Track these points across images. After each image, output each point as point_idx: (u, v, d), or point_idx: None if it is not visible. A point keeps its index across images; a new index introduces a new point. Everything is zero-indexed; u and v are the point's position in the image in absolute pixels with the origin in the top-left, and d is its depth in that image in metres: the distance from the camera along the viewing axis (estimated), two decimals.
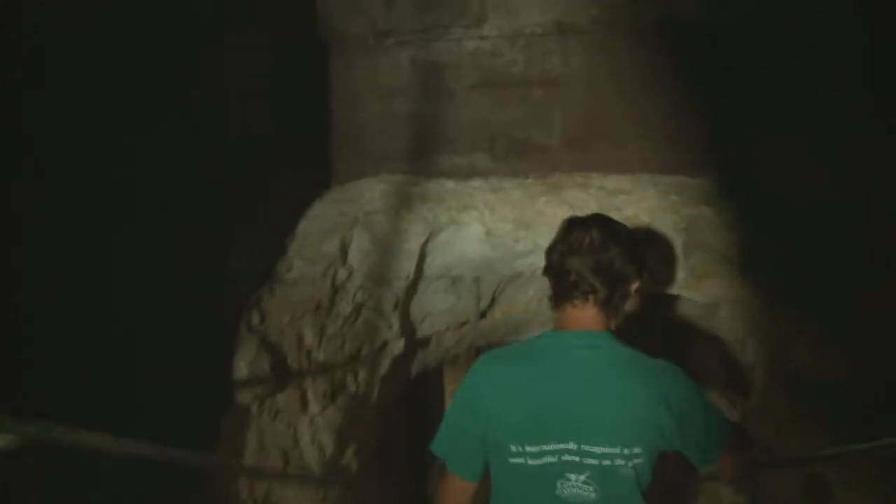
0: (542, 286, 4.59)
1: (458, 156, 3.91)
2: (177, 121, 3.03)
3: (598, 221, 1.86)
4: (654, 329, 4.16)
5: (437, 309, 3.92)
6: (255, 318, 2.92)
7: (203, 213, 3.09)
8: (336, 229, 3.32)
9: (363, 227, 3.41)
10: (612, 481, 1.70)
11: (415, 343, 3.91)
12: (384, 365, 3.57)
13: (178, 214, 2.95)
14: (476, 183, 3.80)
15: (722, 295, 3.53)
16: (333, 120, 4.11)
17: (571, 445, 1.70)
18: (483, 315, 4.41)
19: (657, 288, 3.50)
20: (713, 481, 3.42)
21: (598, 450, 1.69)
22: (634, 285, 1.84)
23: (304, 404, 3.03)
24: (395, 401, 4.08)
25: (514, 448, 1.73)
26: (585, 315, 1.77)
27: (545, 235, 3.86)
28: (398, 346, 3.61)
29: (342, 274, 3.26)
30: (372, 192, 3.60)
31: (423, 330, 3.94)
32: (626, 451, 1.69)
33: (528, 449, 1.72)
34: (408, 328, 3.73)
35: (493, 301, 4.37)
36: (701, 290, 3.51)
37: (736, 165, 3.86)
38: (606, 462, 1.69)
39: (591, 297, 1.76)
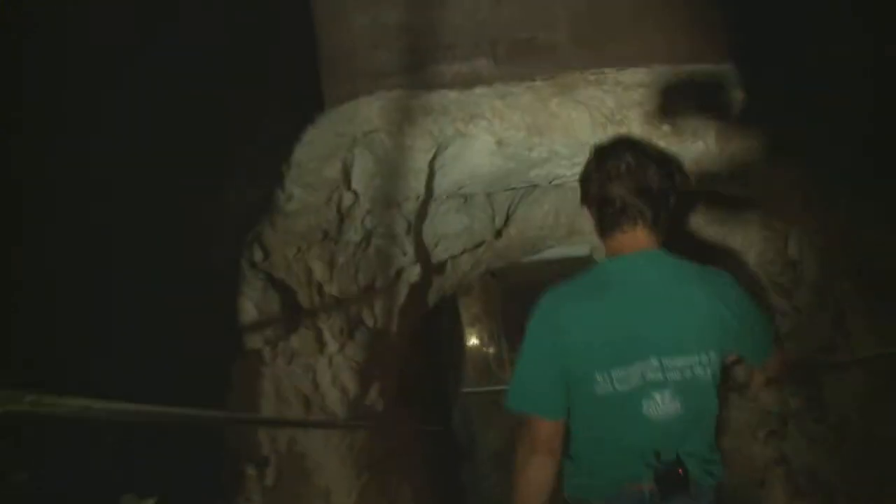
0: (558, 199, 4.31)
1: (458, 63, 3.57)
2: (158, 54, 2.69)
3: (628, 144, 1.86)
4: (688, 233, 3.91)
5: (451, 231, 3.64)
6: (258, 255, 2.64)
7: (188, 154, 2.79)
8: (335, 153, 3.01)
9: (364, 147, 3.10)
10: (694, 389, 1.75)
11: (431, 269, 3.65)
12: (401, 294, 3.31)
13: (158, 157, 2.65)
14: (480, 90, 3.47)
15: (759, 188, 3.25)
16: (319, 39, 3.76)
17: (654, 362, 1.73)
18: (499, 234, 4.14)
19: (691, 186, 3.22)
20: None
21: (678, 361, 1.74)
22: (674, 199, 1.84)
23: (320, 344, 2.78)
24: (413, 332, 3.84)
25: (599, 377, 1.74)
26: (638, 238, 1.79)
27: (561, 140, 3.57)
28: (414, 273, 3.35)
29: (347, 199, 2.96)
30: (369, 110, 3.27)
31: (437, 254, 3.67)
32: (703, 358, 1.75)
33: (615, 374, 1.73)
34: (422, 253, 3.46)
35: (507, 219, 4.10)
36: (735, 180, 3.24)
37: (760, 49, 3.53)
38: (687, 372, 1.74)
39: (639, 220, 1.77)
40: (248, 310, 2.59)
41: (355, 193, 3.04)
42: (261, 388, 2.60)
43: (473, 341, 8.67)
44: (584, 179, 1.88)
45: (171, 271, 2.21)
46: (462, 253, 3.84)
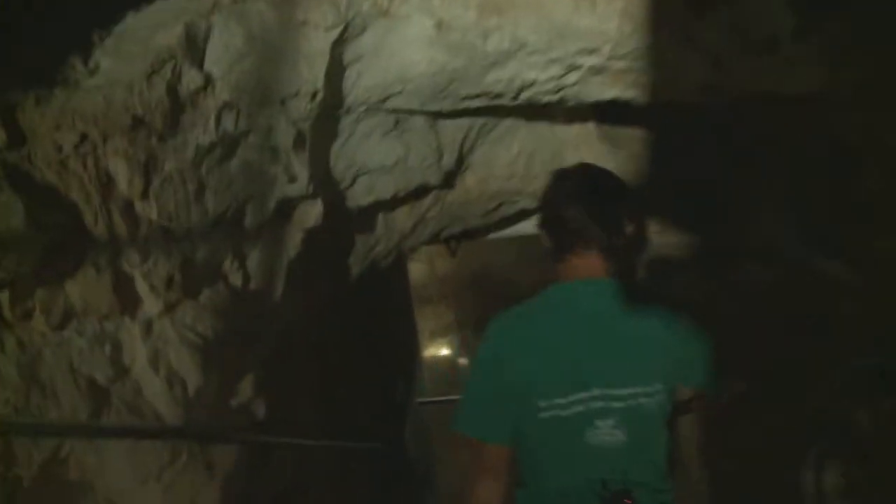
0: (531, 138, 3.20)
1: None
2: None
3: (589, 170, 1.93)
4: None
5: (375, 163, 2.55)
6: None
7: None
8: (179, 18, 1.93)
9: (231, 16, 2.01)
10: (639, 419, 1.75)
11: (346, 217, 2.56)
12: (291, 243, 2.22)
13: None
14: None
15: None
16: None
17: (597, 392, 1.73)
18: (449, 180, 3.06)
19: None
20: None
21: (622, 392, 1.73)
22: (630, 226, 1.85)
23: (127, 299, 1.69)
24: (322, 309, 2.75)
25: (543, 403, 1.74)
26: (590, 263, 1.80)
27: (529, 23, 2.44)
28: (312, 212, 2.25)
29: (192, 80, 1.87)
30: None
31: (356, 196, 2.58)
32: (648, 389, 1.74)
33: (558, 401, 1.74)
34: (328, 187, 2.37)
35: (461, 159, 3.01)
36: None
37: None
38: (632, 402, 1.74)
39: (592, 244, 1.79)
40: None
41: (208, 77, 1.95)
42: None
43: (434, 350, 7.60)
44: (542, 201, 1.93)
45: None
46: (396, 199, 2.75)
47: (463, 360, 8.36)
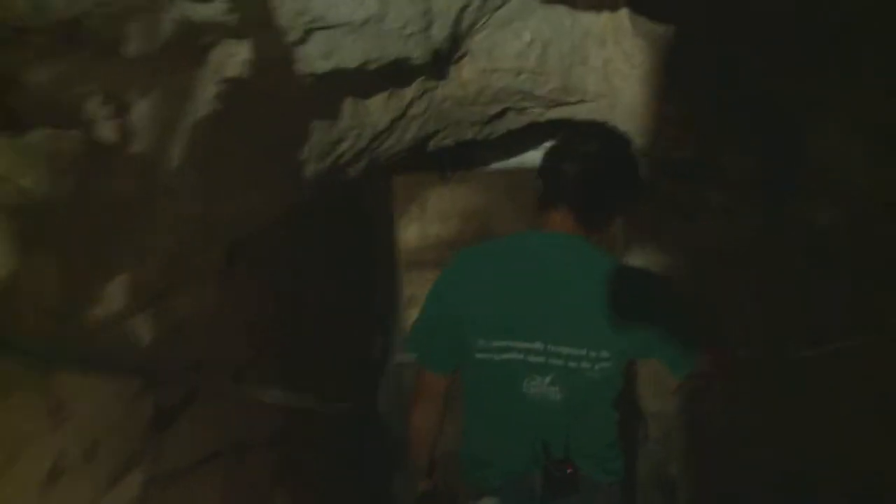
0: (546, 24, 2.33)
1: None
2: None
3: (609, 139, 1.86)
4: None
5: (338, 16, 1.87)
6: None
7: None
8: None
9: None
10: (577, 384, 1.73)
11: (295, 85, 1.88)
12: (202, 97, 1.55)
13: None
14: None
15: None
16: None
17: (538, 345, 1.72)
18: (439, 65, 2.38)
19: None
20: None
21: (563, 350, 1.71)
22: (619, 208, 1.87)
23: None
24: (269, 224, 2.10)
25: (481, 342, 1.75)
26: (565, 220, 1.77)
27: None
28: (234, 56, 1.58)
29: None
30: None
31: (310, 57, 1.89)
32: (591, 354, 1.70)
33: (495, 344, 1.74)
34: (265, 28, 1.68)
35: (456, 37, 2.33)
36: None
37: None
38: (572, 363, 1.71)
39: (573, 204, 1.76)
40: None
41: None
42: None
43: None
44: (552, 146, 1.88)
45: None
46: (366, 76, 2.06)
47: None
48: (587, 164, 1.77)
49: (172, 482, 1.94)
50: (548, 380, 1.71)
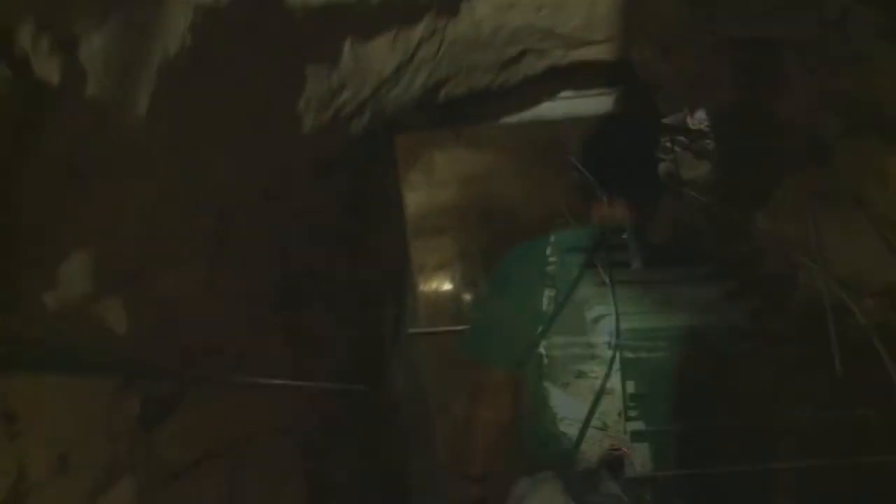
0: None
1: None
2: None
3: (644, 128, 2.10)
4: None
5: None
6: None
7: None
8: None
9: None
10: (644, 372, 1.73)
11: (286, 20, 1.59)
12: (171, 31, 1.28)
13: None
14: None
15: None
16: None
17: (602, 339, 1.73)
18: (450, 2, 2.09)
19: None
20: None
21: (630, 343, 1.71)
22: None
23: None
24: (270, 186, 1.83)
25: (544, 341, 1.75)
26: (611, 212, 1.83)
27: None
28: None
29: None
30: None
31: None
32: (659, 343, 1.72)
33: (556, 340, 1.73)
34: None
35: None
36: None
37: None
38: (642, 353, 1.71)
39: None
40: None
41: None
42: None
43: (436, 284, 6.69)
44: (593, 126, 2.01)
45: None
46: (365, 5, 1.77)
47: (466, 296, 7.46)
48: (618, 172, 1.83)
49: (171, 485, 1.70)
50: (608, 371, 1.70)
